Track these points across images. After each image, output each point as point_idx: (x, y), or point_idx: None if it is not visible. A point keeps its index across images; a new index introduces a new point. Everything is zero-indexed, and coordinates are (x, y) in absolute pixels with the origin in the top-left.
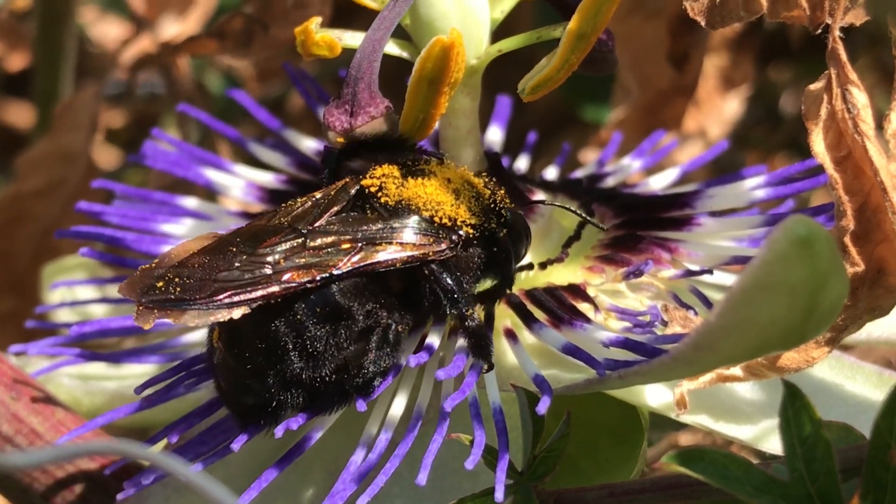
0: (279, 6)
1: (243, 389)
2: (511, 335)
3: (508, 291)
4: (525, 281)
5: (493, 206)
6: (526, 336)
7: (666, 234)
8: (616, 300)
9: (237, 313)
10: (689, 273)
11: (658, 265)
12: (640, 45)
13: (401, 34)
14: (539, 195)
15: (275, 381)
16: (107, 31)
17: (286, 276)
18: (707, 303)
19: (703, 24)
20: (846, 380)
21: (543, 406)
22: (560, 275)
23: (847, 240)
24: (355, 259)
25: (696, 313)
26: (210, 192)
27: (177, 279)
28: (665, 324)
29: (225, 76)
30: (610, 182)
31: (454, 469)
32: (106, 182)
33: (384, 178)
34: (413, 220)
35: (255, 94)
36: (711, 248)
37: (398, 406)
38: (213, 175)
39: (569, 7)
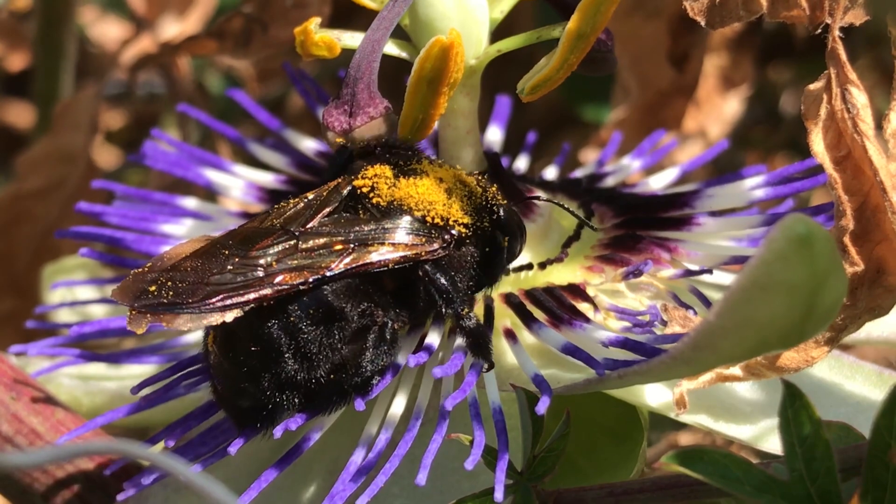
0: (278, 6)
1: (239, 392)
2: (510, 335)
3: (498, 283)
4: (524, 281)
5: (485, 204)
6: (525, 336)
7: (665, 233)
8: (615, 300)
9: (230, 316)
10: (689, 273)
11: (657, 265)
12: (640, 44)
13: (400, 34)
14: (538, 194)
15: (270, 384)
16: (107, 31)
17: (278, 279)
18: (706, 302)
19: (702, 23)
20: (845, 379)
21: (543, 406)
22: (560, 275)
23: (846, 239)
24: (347, 260)
25: (695, 313)
26: (210, 193)
27: (169, 283)
28: (664, 323)
29: (225, 76)
30: (610, 182)
31: (454, 469)
32: (106, 182)
33: (376, 179)
34: (405, 221)
35: (255, 95)
36: (711, 248)
37: (398, 406)
38: (213, 175)
39: (568, 7)
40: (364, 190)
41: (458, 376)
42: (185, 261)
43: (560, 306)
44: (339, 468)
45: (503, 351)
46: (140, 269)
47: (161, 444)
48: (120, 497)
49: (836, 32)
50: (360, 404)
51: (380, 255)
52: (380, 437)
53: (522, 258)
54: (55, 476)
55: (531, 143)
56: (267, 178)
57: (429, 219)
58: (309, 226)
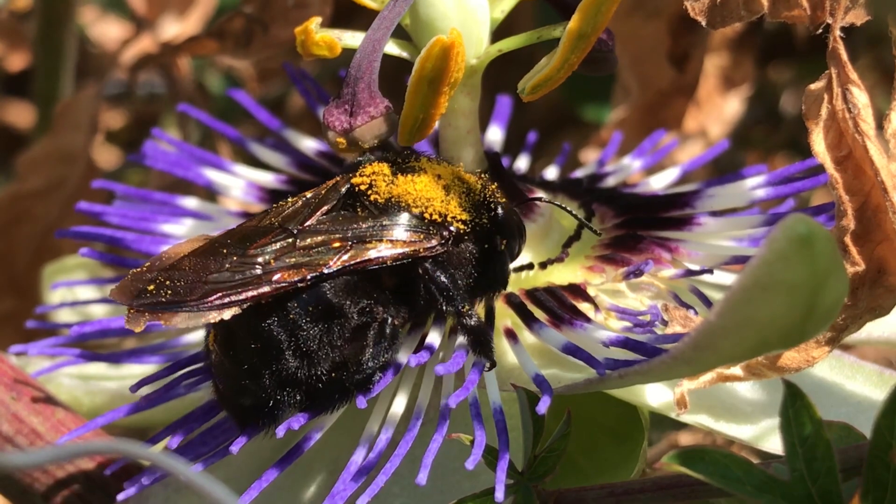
0: (279, 6)
1: (240, 390)
2: (511, 335)
3: (505, 290)
4: (525, 280)
5: (484, 201)
6: (526, 336)
7: (666, 233)
8: (616, 300)
9: (228, 314)
10: (690, 273)
11: (658, 265)
12: (641, 44)
13: (401, 34)
14: (539, 195)
15: (271, 382)
16: (107, 31)
17: (276, 276)
18: (707, 302)
19: (703, 23)
20: (846, 379)
21: (544, 406)
22: (560, 274)
23: (847, 239)
24: (345, 257)
25: (696, 313)
26: (210, 193)
27: (168, 282)
28: (665, 323)
29: (225, 76)
30: (610, 182)
31: (454, 469)
32: (106, 182)
33: (374, 176)
34: (403, 217)
35: (256, 94)
36: (712, 248)
37: (398, 406)
38: (213, 175)
39: (569, 7)
40: (362, 187)
41: (459, 376)
42: (183, 260)
43: (561, 306)
44: (340, 468)
45: (504, 351)
46: (138, 269)
47: (162, 444)
48: (120, 497)
49: (837, 32)
50: (361, 402)
51: (378, 252)
52: (380, 437)
53: (523, 258)
54: (55, 476)
55: (532, 142)
56: (267, 178)
57: (427, 215)
58: (307, 224)
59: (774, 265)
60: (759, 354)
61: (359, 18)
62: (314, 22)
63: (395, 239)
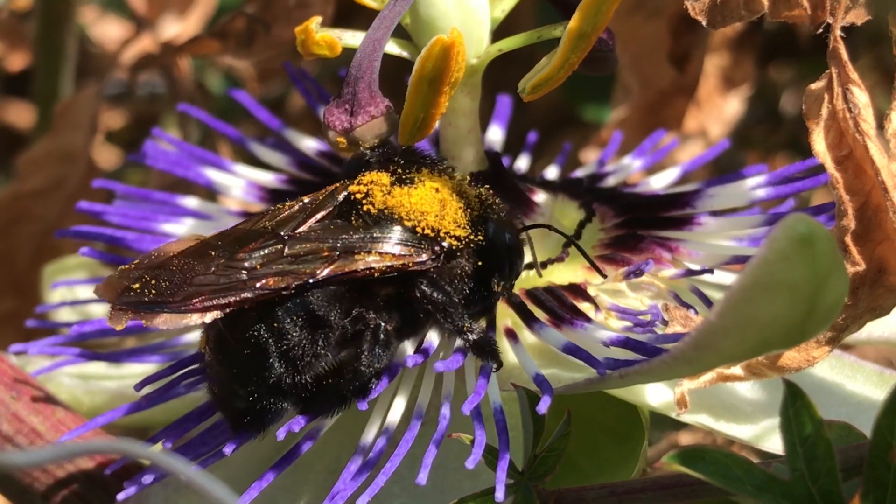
0: (281, 6)
1: (232, 394)
2: (512, 335)
3: (505, 296)
4: (526, 280)
5: (482, 218)
6: (526, 335)
7: (666, 233)
8: (616, 299)
9: (209, 318)
10: (690, 272)
11: (658, 264)
12: (641, 44)
13: (401, 34)
14: (540, 195)
15: (260, 387)
16: (107, 30)
17: (260, 283)
18: (708, 302)
19: (704, 23)
20: (847, 379)
21: (544, 405)
22: (561, 274)
23: (848, 239)
24: (332, 267)
25: (696, 312)
26: (211, 192)
27: (153, 281)
28: (666, 323)
29: (225, 76)
30: (611, 181)
31: (454, 468)
32: (106, 182)
33: (372, 185)
34: (394, 230)
35: (256, 94)
36: (712, 248)
37: (398, 406)
38: (213, 175)
39: (569, 6)
40: (358, 196)
41: (460, 375)
42: (172, 259)
43: (561, 306)
44: (341, 467)
45: (504, 350)
46: (127, 266)
47: (161, 444)
48: (120, 496)
49: (838, 32)
50: (362, 405)
51: (365, 263)
52: (380, 437)
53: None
54: (55, 475)
55: (532, 142)
56: (268, 178)
57: (419, 229)
58: (299, 230)
59: (775, 265)
60: (760, 354)
61: (359, 18)
62: (314, 21)
63: (385, 252)
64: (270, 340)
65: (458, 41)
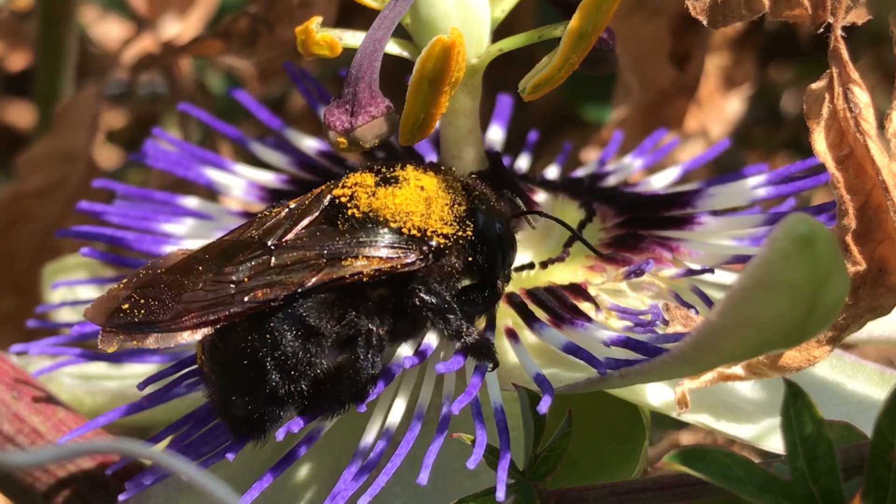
0: (284, 6)
1: (229, 403)
2: (512, 334)
3: (501, 301)
4: (526, 280)
5: (469, 212)
6: (527, 335)
7: (667, 232)
8: (617, 299)
9: (199, 335)
10: (691, 272)
11: (659, 264)
12: (642, 44)
13: (401, 34)
14: (540, 194)
15: (256, 397)
16: (108, 30)
17: (249, 296)
18: (708, 302)
19: (704, 23)
20: (847, 379)
21: (545, 405)
22: (561, 274)
23: (849, 239)
24: (320, 275)
25: (697, 312)
26: (211, 192)
27: (142, 301)
28: (666, 323)
29: (226, 76)
30: (611, 181)
31: (455, 468)
32: (107, 182)
33: (356, 188)
34: (381, 233)
35: (257, 94)
36: (713, 247)
37: (399, 406)
38: (214, 175)
39: (570, 6)
40: (343, 199)
41: (461, 375)
42: (160, 277)
43: (562, 306)
44: (341, 467)
45: (505, 350)
46: (115, 286)
47: (163, 444)
48: (122, 497)
49: (839, 32)
50: (361, 407)
51: (353, 269)
52: (381, 438)
53: (524, 258)
54: (57, 475)
55: (532, 142)
56: (268, 178)
57: (405, 230)
58: (285, 239)
59: (776, 265)
60: (761, 354)
61: (359, 18)
62: (315, 21)
63: (372, 255)
64: (264, 351)
65: (459, 41)
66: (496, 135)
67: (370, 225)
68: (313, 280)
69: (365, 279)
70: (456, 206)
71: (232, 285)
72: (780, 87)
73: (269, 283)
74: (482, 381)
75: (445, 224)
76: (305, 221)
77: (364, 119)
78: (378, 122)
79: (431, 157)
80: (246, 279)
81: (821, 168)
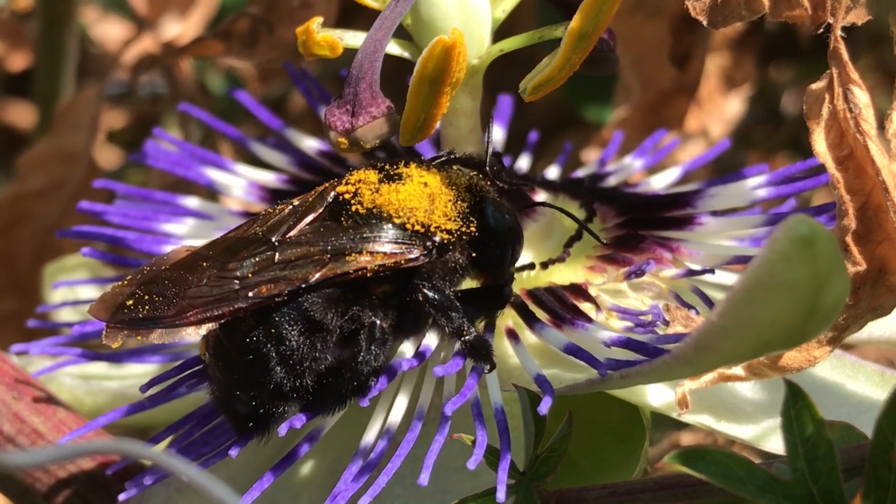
0: (285, 6)
1: (233, 399)
2: (513, 335)
3: (511, 296)
4: (527, 280)
5: (473, 208)
6: (527, 336)
7: (667, 233)
8: (618, 300)
9: (203, 330)
10: (691, 272)
11: (660, 265)
12: (642, 44)
13: (402, 34)
14: (541, 195)
15: (261, 392)
16: (108, 31)
17: (253, 292)
18: (709, 302)
19: (704, 23)
20: (848, 379)
21: (545, 406)
22: (561, 274)
23: (849, 239)
24: (324, 270)
25: (697, 313)
26: (212, 192)
27: (146, 297)
28: (667, 323)
29: (226, 76)
30: (611, 181)
31: (456, 469)
32: (107, 182)
33: (359, 185)
34: (384, 228)
35: (257, 94)
36: (713, 248)
37: (399, 406)
38: (214, 175)
39: (570, 7)
40: (347, 196)
41: (461, 376)
42: (164, 273)
43: (562, 306)
44: (342, 468)
45: (505, 351)
46: (119, 283)
47: (163, 444)
48: (122, 497)
49: (839, 32)
50: (363, 401)
51: (357, 264)
52: (381, 438)
53: (524, 258)
54: (57, 476)
55: (533, 142)
56: (269, 178)
57: (409, 226)
58: (289, 235)
59: (776, 265)
60: (761, 355)
61: (360, 18)
62: (315, 22)
63: (376, 251)
64: (269, 346)
65: (460, 42)
66: (497, 135)
67: (374, 221)
68: (317, 275)
69: (369, 274)
70: (460, 202)
71: (236, 281)
72: (781, 88)
73: (274, 278)
74: (479, 381)
75: (449, 220)
76: (309, 218)
77: (365, 119)
78: (379, 123)
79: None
80: (250, 275)
81: (821, 168)
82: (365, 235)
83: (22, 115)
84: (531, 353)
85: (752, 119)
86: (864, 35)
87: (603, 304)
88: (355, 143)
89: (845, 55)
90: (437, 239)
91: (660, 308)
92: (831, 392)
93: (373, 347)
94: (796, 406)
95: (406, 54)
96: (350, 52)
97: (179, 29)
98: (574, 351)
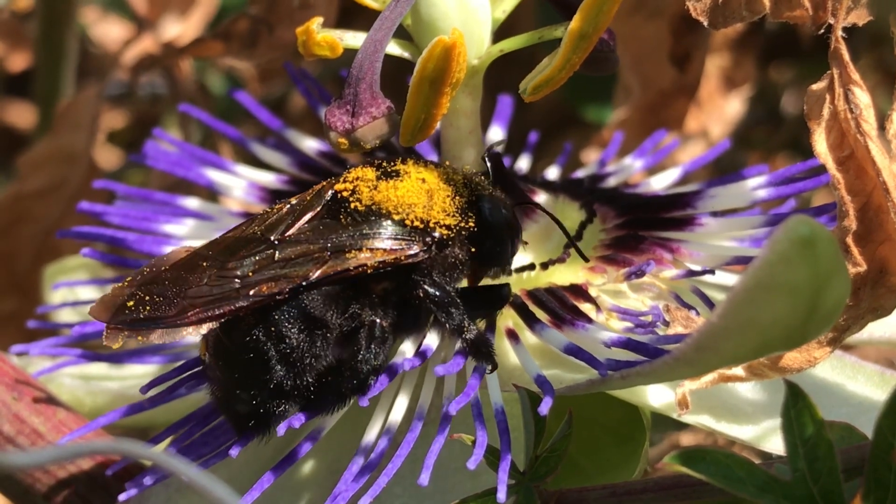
0: (285, 7)
1: (233, 398)
2: (513, 335)
3: (506, 303)
4: (527, 281)
5: (471, 203)
6: (528, 336)
7: (667, 234)
8: (618, 300)
9: (204, 329)
10: (691, 273)
11: (660, 265)
12: (642, 44)
13: (402, 34)
14: (540, 195)
15: (261, 391)
16: (108, 31)
17: (254, 290)
18: (709, 303)
19: (705, 23)
20: (848, 380)
21: (545, 406)
22: (562, 275)
23: (849, 240)
24: (324, 268)
25: (697, 313)
26: (212, 193)
27: (147, 297)
28: (667, 324)
29: (226, 76)
30: (611, 182)
31: (456, 469)
32: (107, 182)
33: (357, 182)
34: (384, 225)
35: (257, 95)
36: (713, 248)
37: (400, 406)
38: (214, 175)
39: (570, 7)
40: (345, 194)
41: (461, 376)
42: (164, 274)
43: (562, 307)
44: (342, 468)
45: (505, 351)
46: (119, 284)
47: (164, 444)
48: (122, 497)
49: (839, 32)
50: (363, 401)
51: (357, 261)
52: (382, 438)
53: (525, 258)
54: (57, 476)
55: (533, 143)
56: (269, 178)
57: (408, 222)
58: (288, 234)
59: (777, 266)
60: (762, 356)
61: (360, 19)
62: (316, 22)
63: (375, 248)
64: (269, 344)
65: (460, 42)
66: (497, 135)
67: (373, 217)
68: (318, 273)
69: (369, 271)
70: (458, 197)
71: (237, 280)
72: (781, 88)
73: (274, 276)
74: (480, 382)
75: (448, 215)
76: (307, 216)
77: (365, 119)
78: (379, 123)
79: (432, 158)
80: (250, 273)
81: (821, 169)
82: (364, 232)
83: (22, 115)
84: (531, 353)
85: (753, 119)
86: (864, 36)
87: (603, 305)
88: (355, 144)
89: (846, 56)
90: (436, 234)
91: (660, 309)
92: (831, 393)
93: (373, 346)
94: (796, 406)
95: (406, 54)
96: (350, 53)
97: (179, 29)
98: (574, 351)
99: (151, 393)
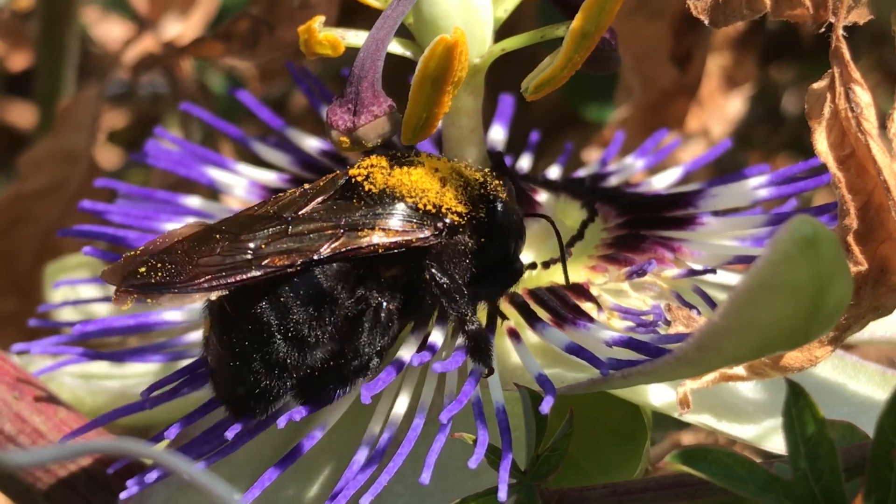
0: (285, 6)
1: (234, 378)
2: (514, 334)
3: (503, 301)
4: (528, 280)
5: (482, 196)
6: (529, 335)
7: (669, 233)
8: (619, 299)
9: (214, 295)
10: (693, 272)
11: (661, 264)
12: (643, 44)
13: (404, 33)
14: (542, 194)
15: (262, 367)
16: (109, 30)
17: (266, 261)
18: (710, 302)
19: (706, 22)
20: (849, 379)
21: (547, 405)
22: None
23: (850, 239)
24: (336, 244)
25: (699, 313)
26: (213, 191)
27: (159, 265)
28: (668, 323)
29: (227, 75)
30: (613, 181)
31: (457, 468)
32: (108, 181)
33: (372, 168)
34: (397, 207)
35: (258, 94)
36: (714, 248)
37: (401, 405)
38: (215, 174)
39: (572, 6)
40: (359, 178)
41: (462, 376)
42: (177, 244)
43: (564, 306)
44: (343, 466)
45: (507, 350)
46: (132, 252)
47: (164, 443)
48: (123, 496)
49: (840, 31)
50: (365, 398)
51: (370, 240)
52: (383, 436)
53: (526, 258)
54: (58, 475)
55: (534, 142)
56: (270, 177)
57: (421, 206)
58: (302, 212)
59: (779, 266)
60: (763, 355)
61: (362, 17)
62: (317, 21)
63: (388, 228)
64: (275, 317)
65: (462, 41)
66: (498, 134)
67: (387, 200)
68: (330, 249)
69: (381, 251)
70: (469, 187)
71: (249, 251)
72: (782, 87)
73: (287, 249)
74: (476, 386)
75: (460, 203)
76: (321, 198)
77: (367, 118)
78: (381, 122)
79: None
80: (263, 246)
81: (822, 168)
82: (378, 212)
83: (22, 115)
84: (533, 352)
85: (754, 119)
86: (865, 34)
87: (604, 304)
88: (357, 142)
89: (847, 54)
90: (447, 220)
91: (661, 308)
92: (833, 392)
93: (377, 328)
94: (798, 406)
95: (408, 53)
96: (352, 52)
97: (180, 29)
98: (576, 350)
99: (153, 395)
